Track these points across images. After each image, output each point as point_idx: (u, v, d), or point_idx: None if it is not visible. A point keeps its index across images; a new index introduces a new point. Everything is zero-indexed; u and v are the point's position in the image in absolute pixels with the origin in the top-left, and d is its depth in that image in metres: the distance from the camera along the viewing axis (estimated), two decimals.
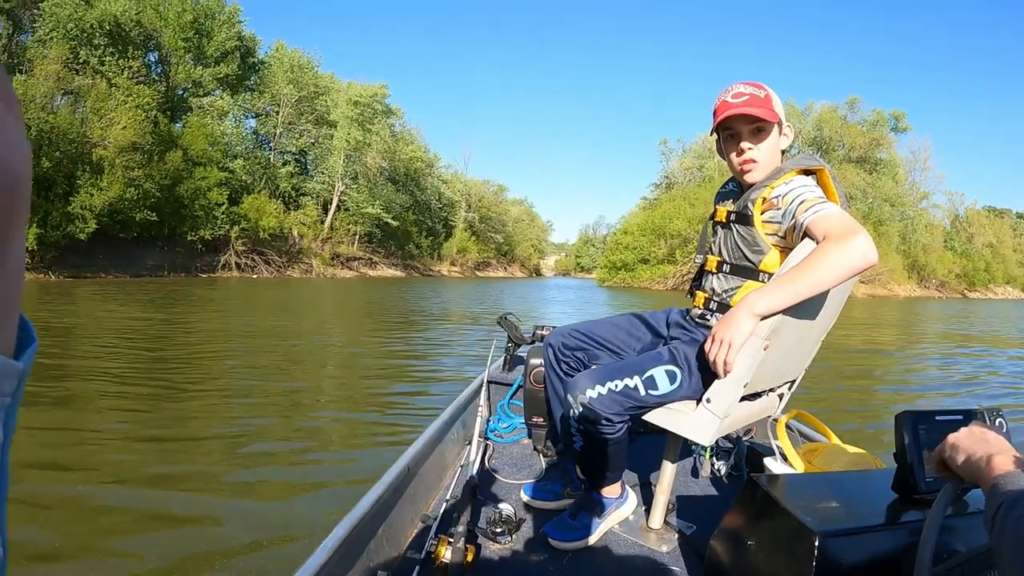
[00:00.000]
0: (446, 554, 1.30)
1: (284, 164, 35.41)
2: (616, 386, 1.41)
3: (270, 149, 35.71)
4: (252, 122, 35.33)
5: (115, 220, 21.09)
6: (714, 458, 2.14)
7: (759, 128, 1.43)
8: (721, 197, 1.62)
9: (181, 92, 30.21)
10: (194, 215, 24.84)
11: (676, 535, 1.63)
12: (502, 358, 2.85)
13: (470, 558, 1.33)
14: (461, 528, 1.38)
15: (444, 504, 1.69)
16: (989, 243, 57.96)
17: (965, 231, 58.08)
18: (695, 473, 2.11)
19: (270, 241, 28.61)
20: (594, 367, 1.58)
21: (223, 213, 25.72)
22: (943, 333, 14.27)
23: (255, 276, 25.93)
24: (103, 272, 20.71)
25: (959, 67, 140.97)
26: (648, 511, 1.69)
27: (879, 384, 6.95)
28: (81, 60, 24.09)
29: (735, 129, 1.45)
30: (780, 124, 1.45)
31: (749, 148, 1.44)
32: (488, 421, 2.52)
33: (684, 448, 1.69)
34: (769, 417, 1.82)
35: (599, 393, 1.41)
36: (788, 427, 2.02)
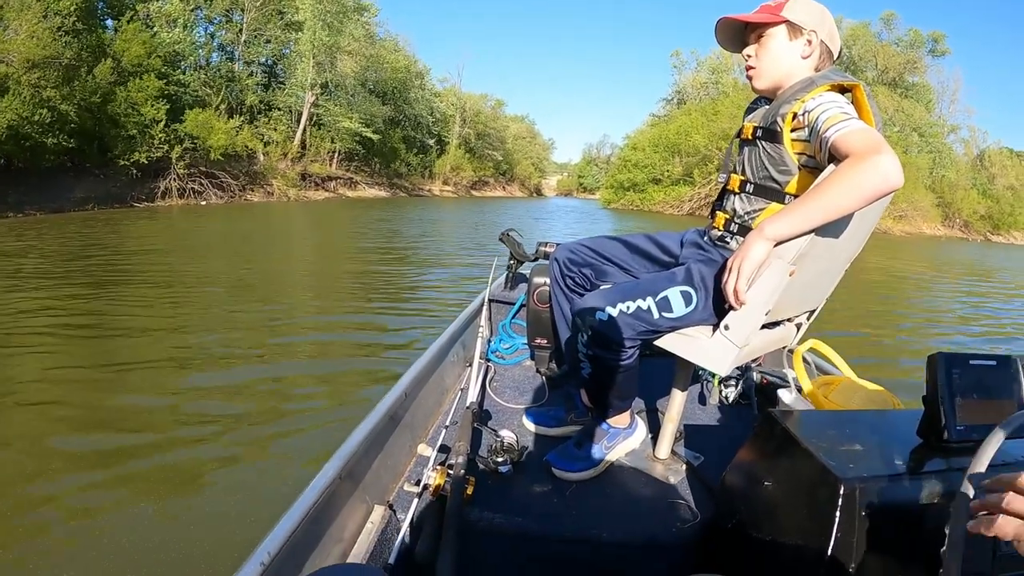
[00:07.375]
0: (445, 485, 1.28)
1: (250, 75, 31.79)
2: (628, 308, 1.34)
3: (235, 59, 31.97)
4: (221, 33, 31.30)
5: (23, 147, 18.34)
6: (722, 385, 2.06)
7: (760, 34, 1.40)
8: (750, 112, 1.53)
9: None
10: (128, 135, 21.90)
11: (683, 466, 1.58)
12: (503, 276, 2.78)
13: (470, 489, 1.30)
14: (461, 458, 1.34)
15: (443, 431, 1.65)
16: (1011, 185, 54.03)
17: (987, 171, 54.01)
18: (702, 400, 2.06)
19: (224, 163, 25.68)
20: (604, 287, 1.50)
21: (161, 131, 22.64)
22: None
23: (203, 203, 23.37)
24: (14, 211, 18.03)
25: None
26: (654, 440, 1.64)
27: (899, 320, 6.72)
28: None
29: (745, 39, 1.45)
30: (795, 28, 1.36)
31: (749, 56, 1.43)
32: (489, 342, 2.44)
33: (692, 374, 1.67)
34: (784, 347, 1.78)
35: (610, 315, 1.34)
36: (803, 359, 2.00)
